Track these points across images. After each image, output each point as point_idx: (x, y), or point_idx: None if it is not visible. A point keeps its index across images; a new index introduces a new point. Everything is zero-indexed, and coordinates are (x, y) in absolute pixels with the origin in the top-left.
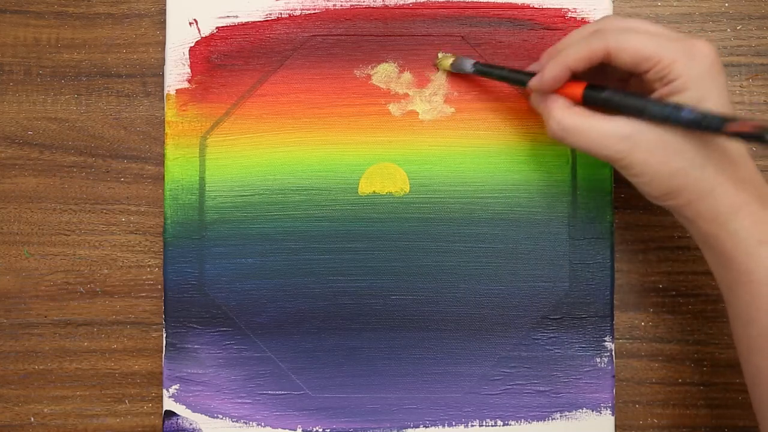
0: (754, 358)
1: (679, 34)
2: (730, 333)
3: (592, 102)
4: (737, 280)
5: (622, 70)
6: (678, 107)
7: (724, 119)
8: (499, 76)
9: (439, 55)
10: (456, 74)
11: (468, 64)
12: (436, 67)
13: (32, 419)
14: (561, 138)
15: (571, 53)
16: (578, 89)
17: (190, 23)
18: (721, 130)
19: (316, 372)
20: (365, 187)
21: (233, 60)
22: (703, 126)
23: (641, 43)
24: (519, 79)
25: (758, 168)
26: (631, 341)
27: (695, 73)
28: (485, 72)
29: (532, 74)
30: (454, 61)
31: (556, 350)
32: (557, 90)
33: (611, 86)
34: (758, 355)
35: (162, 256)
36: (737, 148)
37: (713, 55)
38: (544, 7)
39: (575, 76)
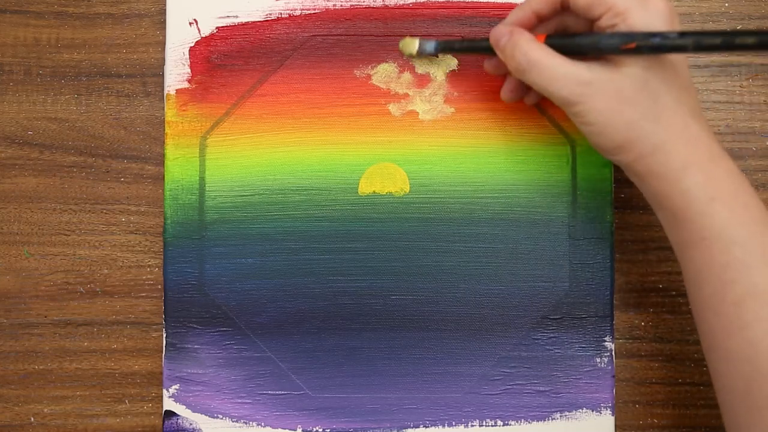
0: (707, 317)
1: None
2: None
3: (554, 47)
4: (690, 240)
5: (579, 22)
6: (633, 32)
7: (681, 31)
8: (461, 48)
9: (401, 42)
10: (456, 74)
11: (430, 46)
12: (401, 53)
13: (32, 419)
14: (523, 72)
15: None
16: (540, 39)
17: (190, 23)
18: (681, 43)
19: (316, 372)
20: (365, 187)
21: (233, 60)
22: (656, 44)
23: None
24: (482, 45)
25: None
26: (631, 341)
27: (648, 23)
28: (447, 48)
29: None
30: (419, 45)
31: (556, 350)
32: None
33: None
34: (711, 315)
35: (162, 256)
36: (691, 103)
37: (667, 10)
38: None
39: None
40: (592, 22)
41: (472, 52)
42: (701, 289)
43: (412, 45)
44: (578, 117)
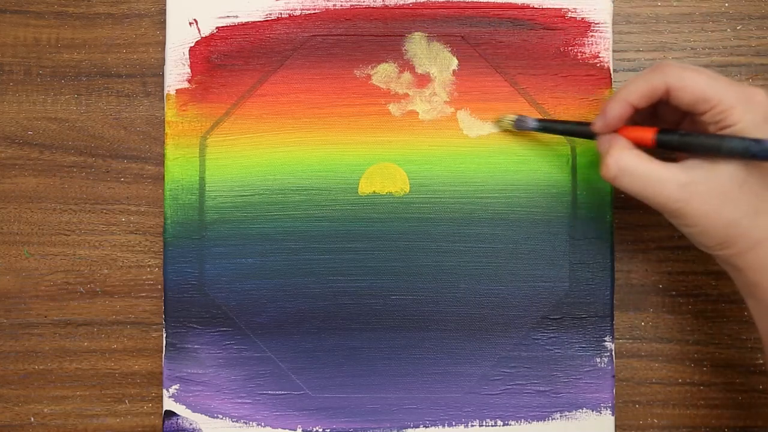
0: None
1: (738, 82)
2: (730, 333)
3: (666, 144)
4: None
5: (674, 112)
6: (757, 140)
7: None
8: (563, 130)
9: (500, 117)
10: (456, 74)
11: (531, 122)
12: (497, 126)
13: (32, 419)
14: (615, 178)
15: (632, 89)
16: (648, 133)
17: (190, 23)
18: None
19: (316, 372)
20: (365, 187)
21: (233, 60)
22: (728, 149)
23: (703, 82)
24: (582, 131)
25: None
26: (631, 341)
27: (752, 120)
28: (549, 128)
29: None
30: (515, 120)
31: (556, 350)
32: (626, 134)
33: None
34: None
35: (162, 256)
36: None
37: None
38: (544, 7)
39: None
40: (687, 113)
41: (573, 135)
42: None
43: (506, 122)
44: (678, 219)
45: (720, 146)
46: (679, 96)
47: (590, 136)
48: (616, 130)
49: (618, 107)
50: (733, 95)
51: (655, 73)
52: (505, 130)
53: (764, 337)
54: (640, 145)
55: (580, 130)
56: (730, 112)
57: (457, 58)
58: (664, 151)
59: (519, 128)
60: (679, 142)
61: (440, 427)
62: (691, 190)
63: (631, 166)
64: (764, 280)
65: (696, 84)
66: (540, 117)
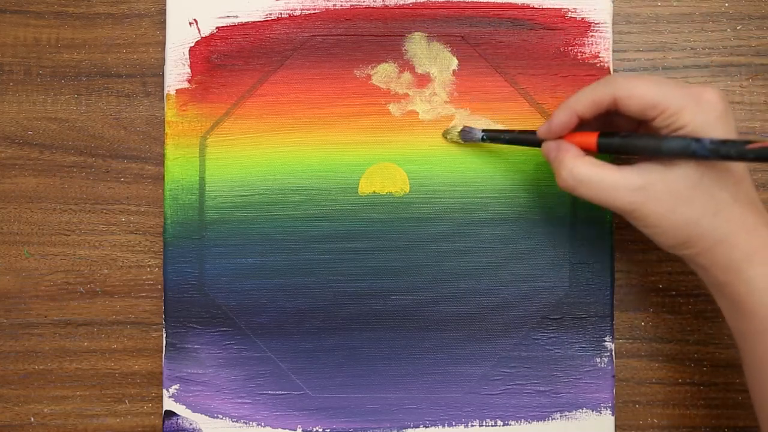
0: None
1: (687, 83)
2: (730, 333)
3: (607, 148)
4: (752, 330)
5: (630, 119)
6: (697, 139)
7: (746, 141)
8: (507, 139)
9: (447, 129)
10: (456, 74)
11: (477, 133)
12: (445, 138)
13: (32, 419)
14: (572, 188)
15: (579, 98)
16: (591, 138)
17: (190, 23)
18: (743, 153)
19: (316, 372)
20: (365, 187)
21: (233, 60)
22: (723, 152)
23: (648, 89)
24: (527, 139)
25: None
26: (631, 341)
27: (702, 121)
28: (494, 138)
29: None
30: (461, 132)
31: (556, 350)
32: (570, 139)
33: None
34: None
35: (162, 256)
36: (747, 194)
37: (722, 104)
38: (544, 7)
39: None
40: (642, 122)
41: (519, 144)
42: (762, 380)
43: (453, 133)
44: (638, 221)
45: (660, 146)
46: (627, 105)
47: (536, 144)
48: (560, 137)
49: (563, 115)
50: (680, 97)
51: (602, 84)
52: (453, 142)
53: (736, 337)
54: (587, 150)
55: (525, 139)
56: (679, 114)
57: (457, 58)
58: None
59: (465, 140)
60: (620, 144)
61: (440, 427)
62: (646, 193)
63: (585, 175)
64: (730, 278)
65: (641, 91)
66: (485, 128)
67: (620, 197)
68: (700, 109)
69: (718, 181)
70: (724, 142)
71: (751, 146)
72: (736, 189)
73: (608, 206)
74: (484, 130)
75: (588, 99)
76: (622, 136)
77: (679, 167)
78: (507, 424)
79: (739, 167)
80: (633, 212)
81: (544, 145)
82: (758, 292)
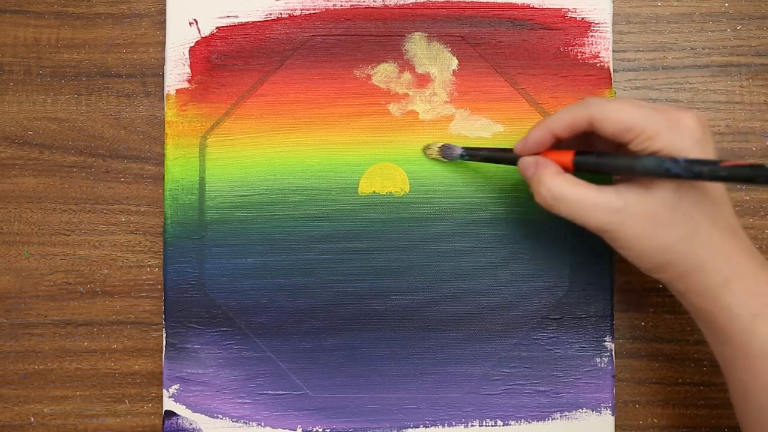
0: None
1: (665, 106)
2: None
3: (582, 166)
4: (733, 356)
5: (608, 142)
6: (672, 158)
7: (719, 159)
8: (485, 157)
9: (424, 147)
10: (456, 74)
11: (456, 151)
12: (425, 154)
13: (32, 419)
14: (549, 206)
15: (555, 118)
16: (568, 156)
17: (190, 23)
18: (715, 171)
19: (316, 372)
20: (365, 187)
21: (233, 60)
22: (696, 171)
23: (624, 112)
24: (505, 156)
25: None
26: (631, 341)
27: (679, 146)
28: (473, 155)
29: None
30: (440, 149)
31: (556, 350)
32: (546, 157)
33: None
34: (759, 430)
35: (162, 256)
36: (726, 219)
37: (700, 129)
38: (544, 7)
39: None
40: (618, 145)
41: (497, 162)
42: (747, 403)
43: (433, 150)
44: (614, 242)
45: (634, 165)
46: (603, 127)
47: (513, 162)
48: (536, 155)
49: (540, 133)
50: (657, 121)
51: (579, 106)
52: (433, 159)
53: (719, 361)
54: (563, 168)
55: (503, 156)
56: (655, 138)
57: (457, 58)
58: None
59: (445, 157)
60: (595, 162)
61: (440, 427)
62: (624, 214)
63: (565, 193)
64: (707, 305)
65: (617, 114)
66: (464, 146)
67: (598, 217)
68: (677, 134)
69: (697, 205)
70: (697, 161)
71: (723, 164)
72: (715, 214)
73: (585, 225)
74: (464, 148)
75: (565, 119)
76: (598, 154)
77: (658, 190)
78: (507, 424)
79: (718, 191)
80: (610, 233)
81: (521, 160)
82: (736, 319)
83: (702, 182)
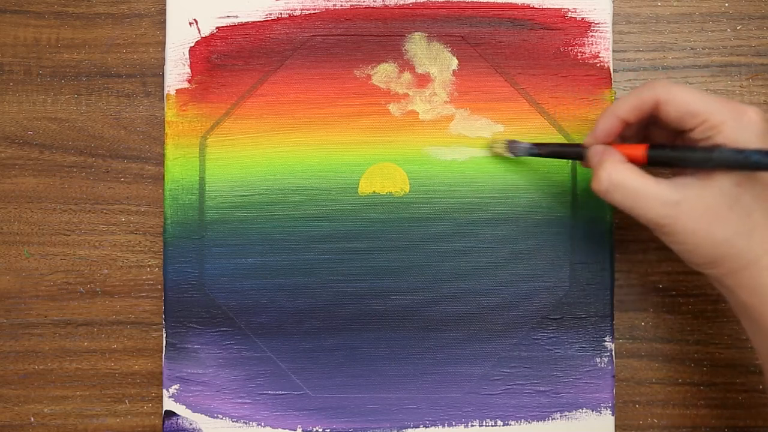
0: None
1: (729, 99)
2: (730, 333)
3: (657, 159)
4: None
5: (665, 133)
6: (756, 150)
7: None
8: (553, 151)
9: (489, 144)
10: (456, 74)
11: (524, 146)
12: (492, 152)
13: (32, 419)
14: (606, 191)
15: (620, 102)
16: (641, 150)
17: (190, 23)
18: None
19: (316, 372)
20: (365, 187)
21: (233, 60)
22: (718, 161)
23: (691, 97)
24: (574, 151)
25: None
26: (631, 341)
27: (743, 139)
28: (541, 149)
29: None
30: (507, 144)
31: (556, 350)
32: (618, 150)
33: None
34: None
35: (162, 256)
36: None
37: (763, 123)
38: (544, 7)
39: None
40: (678, 132)
41: (565, 157)
42: None
43: (499, 148)
44: (668, 237)
45: (711, 156)
46: (667, 110)
47: (581, 156)
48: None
49: (607, 121)
50: (723, 111)
51: (645, 88)
52: (496, 155)
53: (763, 359)
54: (636, 163)
55: (571, 151)
56: (720, 128)
57: (457, 58)
58: (659, 169)
59: (513, 153)
60: (671, 156)
61: (440, 427)
62: (681, 208)
63: (622, 180)
64: (756, 302)
65: (684, 98)
66: (533, 142)
67: (654, 209)
68: (741, 126)
69: (755, 201)
70: None
71: None
72: None
73: (639, 217)
74: (532, 143)
75: (630, 102)
76: (673, 147)
77: (718, 183)
78: (507, 424)
79: None
80: (664, 227)
81: (590, 149)
82: None
83: (762, 177)
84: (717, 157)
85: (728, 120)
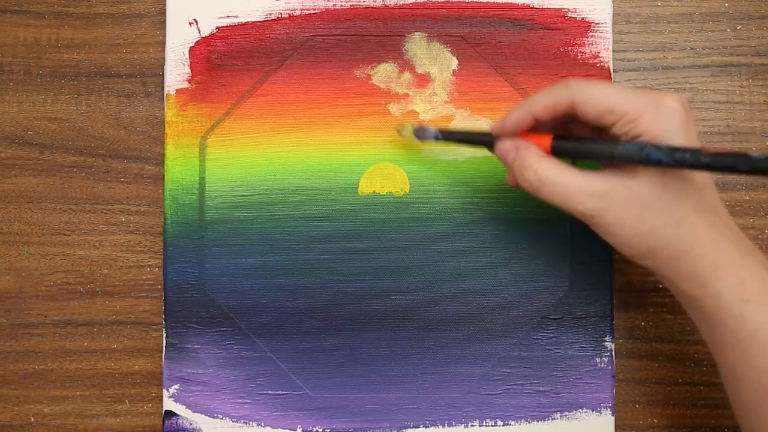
0: (748, 417)
1: (647, 89)
2: None
3: (561, 152)
4: (724, 342)
5: (588, 128)
6: (655, 145)
7: (701, 147)
8: (460, 138)
9: (398, 127)
10: (456, 74)
11: (431, 132)
12: (400, 135)
13: (32, 419)
14: (535, 189)
15: (535, 100)
16: (546, 140)
17: (190, 23)
18: (697, 159)
19: (316, 372)
20: (365, 187)
21: (233, 60)
22: (678, 158)
23: (607, 94)
24: (481, 139)
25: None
26: (631, 341)
27: (663, 129)
28: (447, 136)
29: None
30: (415, 130)
31: (556, 350)
32: (524, 139)
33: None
34: (752, 415)
35: (162, 256)
36: (712, 205)
37: (683, 111)
38: (544, 7)
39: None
40: (600, 128)
41: (472, 144)
42: (739, 389)
43: (407, 132)
44: (599, 228)
45: (614, 151)
46: (584, 110)
47: (489, 144)
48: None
49: (519, 115)
50: (640, 104)
51: (560, 88)
52: (406, 140)
53: (710, 348)
54: None
55: (479, 139)
56: (638, 121)
57: (457, 58)
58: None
59: (420, 138)
60: (574, 147)
61: (440, 427)
62: (609, 199)
63: (551, 176)
64: (696, 291)
65: (600, 95)
66: (440, 129)
67: (583, 202)
68: (660, 116)
69: (683, 190)
70: (679, 149)
71: (706, 151)
72: (701, 199)
73: (570, 211)
74: (438, 129)
75: (545, 101)
76: (577, 139)
77: (643, 175)
78: (507, 424)
79: (704, 177)
80: (594, 218)
81: (500, 143)
82: (727, 304)
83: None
84: (619, 152)
85: (646, 112)
